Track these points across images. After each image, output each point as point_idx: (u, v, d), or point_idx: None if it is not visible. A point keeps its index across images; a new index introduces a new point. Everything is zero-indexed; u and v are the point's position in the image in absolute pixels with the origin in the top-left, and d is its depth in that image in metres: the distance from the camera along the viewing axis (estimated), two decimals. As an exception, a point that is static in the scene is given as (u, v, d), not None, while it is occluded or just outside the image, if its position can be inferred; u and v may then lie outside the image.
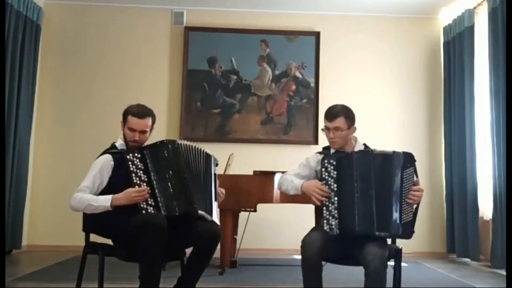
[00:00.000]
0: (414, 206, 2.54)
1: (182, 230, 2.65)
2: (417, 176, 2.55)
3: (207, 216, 2.65)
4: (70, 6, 5.68)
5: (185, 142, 2.73)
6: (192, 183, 2.66)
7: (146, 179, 2.59)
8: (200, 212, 2.62)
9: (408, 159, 2.54)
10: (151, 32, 5.75)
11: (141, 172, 2.59)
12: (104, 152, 2.76)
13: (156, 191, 2.58)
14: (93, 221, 2.68)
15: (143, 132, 2.72)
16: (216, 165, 2.84)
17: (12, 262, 4.62)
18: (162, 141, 2.68)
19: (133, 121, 2.71)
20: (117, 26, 5.74)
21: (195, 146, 2.75)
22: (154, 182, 2.58)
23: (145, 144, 2.76)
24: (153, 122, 2.81)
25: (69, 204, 2.63)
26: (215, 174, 2.80)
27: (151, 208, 2.55)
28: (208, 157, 2.78)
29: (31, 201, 5.38)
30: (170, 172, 2.62)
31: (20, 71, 4.94)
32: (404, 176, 2.51)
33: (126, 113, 2.76)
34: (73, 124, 5.58)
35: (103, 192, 2.66)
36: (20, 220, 4.98)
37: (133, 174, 2.58)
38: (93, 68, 5.67)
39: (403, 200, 2.50)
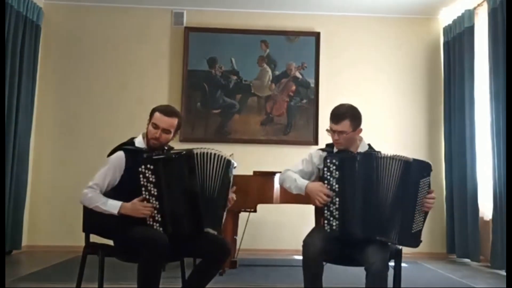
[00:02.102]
0: (424, 215, 2.50)
1: (186, 241, 2.60)
2: (430, 187, 2.50)
3: (212, 231, 2.59)
4: (70, 6, 5.68)
5: (203, 151, 2.57)
6: (203, 199, 2.56)
7: (155, 193, 2.50)
8: (205, 229, 2.56)
9: (425, 169, 2.49)
10: (151, 33, 5.75)
11: (151, 185, 2.50)
12: (119, 146, 2.70)
13: (165, 207, 2.50)
14: (93, 222, 2.67)
15: (167, 131, 2.63)
16: (234, 167, 2.67)
17: (12, 262, 4.62)
18: (178, 154, 2.58)
19: (158, 117, 2.63)
20: (117, 26, 5.74)
21: (214, 154, 2.58)
22: (164, 198, 2.50)
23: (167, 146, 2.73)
24: (179, 125, 2.71)
25: (79, 198, 2.62)
26: (230, 181, 2.64)
27: (157, 225, 2.50)
28: (227, 163, 2.60)
29: (31, 201, 5.37)
30: (182, 188, 2.53)
31: (20, 71, 4.94)
32: (420, 186, 2.46)
33: (153, 110, 2.69)
34: (73, 124, 5.58)
35: (112, 189, 2.64)
36: (20, 221, 4.98)
37: (143, 188, 2.50)
38: (93, 68, 5.67)
39: (416, 209, 2.46)
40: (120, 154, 2.65)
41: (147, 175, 2.50)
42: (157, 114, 2.65)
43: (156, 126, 2.63)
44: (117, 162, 2.63)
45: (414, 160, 2.48)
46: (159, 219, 2.50)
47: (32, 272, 4.06)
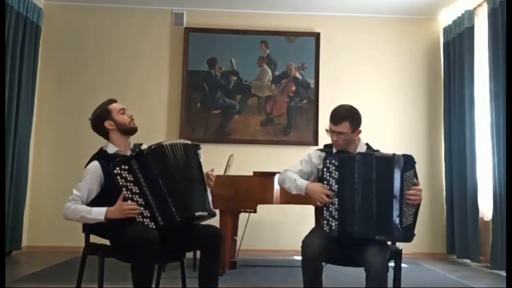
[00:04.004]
0: (414, 209, 2.51)
1: (182, 234, 2.62)
2: (417, 179, 2.52)
3: (204, 213, 2.61)
4: (70, 7, 5.69)
5: (170, 142, 2.63)
6: (184, 184, 2.60)
7: (137, 191, 2.51)
8: (197, 214, 2.57)
9: (408, 162, 2.51)
10: (151, 33, 5.75)
11: (131, 184, 2.51)
12: (92, 158, 2.72)
13: (150, 201, 2.51)
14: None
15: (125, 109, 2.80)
16: (199, 149, 2.75)
17: (12, 263, 4.62)
18: (149, 147, 2.63)
19: (115, 106, 2.77)
20: (117, 27, 5.74)
21: (179, 143, 2.65)
22: (147, 193, 2.51)
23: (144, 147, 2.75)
24: None
25: (62, 214, 2.61)
26: (200, 162, 2.72)
27: (148, 220, 2.50)
28: (194, 147, 2.70)
29: (31, 202, 5.38)
30: (162, 179, 2.55)
31: (20, 72, 4.95)
32: (405, 179, 2.49)
33: (104, 111, 2.78)
34: (73, 124, 5.57)
35: (96, 198, 2.64)
36: (20, 221, 4.98)
37: (124, 188, 2.51)
38: (93, 69, 5.67)
39: (403, 203, 2.48)
40: (95, 163, 2.67)
41: (124, 175, 2.51)
42: (112, 106, 2.78)
43: (123, 110, 2.76)
44: (93, 171, 2.64)
45: (395, 155, 2.51)
46: (148, 214, 2.51)
47: (32, 273, 4.07)
